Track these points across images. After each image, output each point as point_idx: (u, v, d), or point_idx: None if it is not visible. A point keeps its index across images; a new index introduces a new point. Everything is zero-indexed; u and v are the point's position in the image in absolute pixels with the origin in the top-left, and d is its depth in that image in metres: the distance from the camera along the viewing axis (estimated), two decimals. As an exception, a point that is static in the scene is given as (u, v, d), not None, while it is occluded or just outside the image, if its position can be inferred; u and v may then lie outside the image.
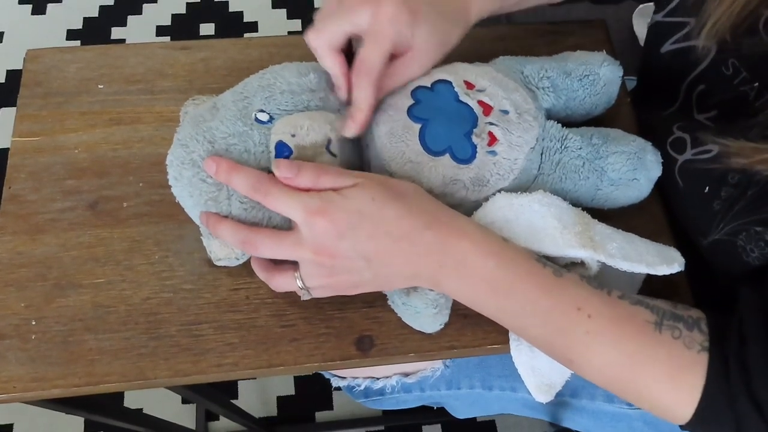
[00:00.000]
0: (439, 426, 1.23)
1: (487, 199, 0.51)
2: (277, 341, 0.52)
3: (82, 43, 1.63)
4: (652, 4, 0.62)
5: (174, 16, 1.69)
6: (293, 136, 0.48)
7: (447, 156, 0.50)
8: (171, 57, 0.64)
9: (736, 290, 0.47)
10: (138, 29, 1.66)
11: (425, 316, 0.50)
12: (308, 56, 0.52)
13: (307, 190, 0.45)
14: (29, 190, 0.57)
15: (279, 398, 1.26)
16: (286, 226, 0.49)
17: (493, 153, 0.51)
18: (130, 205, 0.57)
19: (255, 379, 1.27)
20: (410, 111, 0.51)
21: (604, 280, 0.49)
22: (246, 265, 0.53)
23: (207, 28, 1.68)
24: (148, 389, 0.52)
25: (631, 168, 0.52)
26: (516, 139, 0.51)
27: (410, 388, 0.69)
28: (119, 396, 1.21)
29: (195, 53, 0.65)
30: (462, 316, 0.52)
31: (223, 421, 1.22)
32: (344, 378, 0.69)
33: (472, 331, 0.52)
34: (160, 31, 1.67)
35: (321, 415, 1.24)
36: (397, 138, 0.50)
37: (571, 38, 0.67)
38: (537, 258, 0.46)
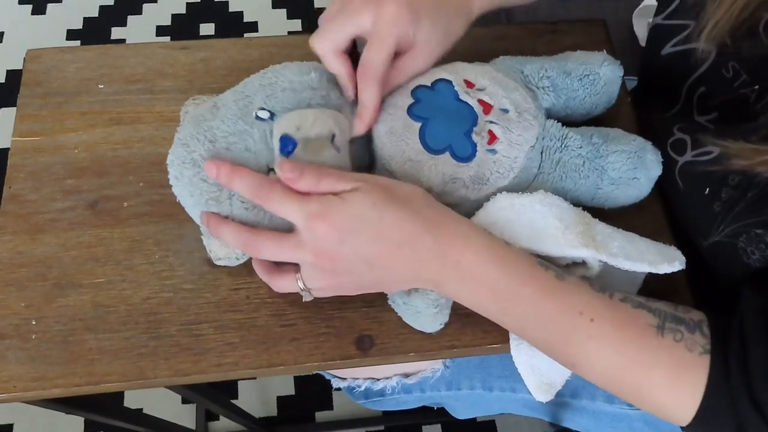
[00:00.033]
0: (439, 426, 1.23)
1: (487, 198, 0.51)
2: (277, 341, 0.52)
3: (82, 43, 1.63)
4: (651, 4, 0.62)
5: (174, 16, 1.69)
6: (298, 129, 0.48)
7: (447, 154, 0.50)
8: (171, 57, 0.64)
9: (737, 292, 0.47)
10: (138, 29, 1.66)
11: (426, 316, 0.50)
12: (309, 56, 0.52)
13: (308, 193, 0.45)
14: (29, 190, 0.57)
15: (279, 398, 1.26)
16: (287, 225, 0.49)
17: (493, 151, 0.51)
18: (130, 204, 0.57)
19: (255, 379, 1.27)
20: (410, 110, 0.51)
21: (605, 280, 0.49)
22: (246, 265, 0.53)
23: (207, 28, 1.68)
24: (148, 389, 0.52)
25: (632, 167, 0.52)
26: (516, 138, 0.51)
27: (410, 389, 0.69)
28: (119, 396, 1.21)
29: (195, 53, 0.65)
30: (462, 316, 0.52)
31: (223, 421, 1.22)
32: (344, 379, 0.69)
33: (472, 331, 0.52)
34: (160, 31, 1.67)
35: (321, 415, 1.24)
36: (398, 136, 0.51)
37: (571, 38, 0.67)
38: (539, 262, 0.46)
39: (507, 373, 0.67)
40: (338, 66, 0.50)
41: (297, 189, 0.45)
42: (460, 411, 0.75)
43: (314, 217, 0.44)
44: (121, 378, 0.50)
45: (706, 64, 0.55)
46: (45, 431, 1.21)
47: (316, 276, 0.47)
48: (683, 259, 0.49)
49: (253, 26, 1.69)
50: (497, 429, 1.23)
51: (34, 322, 0.51)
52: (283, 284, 0.50)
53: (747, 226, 0.49)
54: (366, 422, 1.23)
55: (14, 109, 0.61)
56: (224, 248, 0.51)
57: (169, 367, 0.50)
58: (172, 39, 1.65)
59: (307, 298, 0.50)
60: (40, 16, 1.68)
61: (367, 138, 0.53)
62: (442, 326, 0.52)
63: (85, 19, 1.68)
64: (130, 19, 1.68)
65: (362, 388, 0.68)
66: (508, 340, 0.52)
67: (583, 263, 0.49)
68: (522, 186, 0.52)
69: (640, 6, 1.02)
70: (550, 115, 0.56)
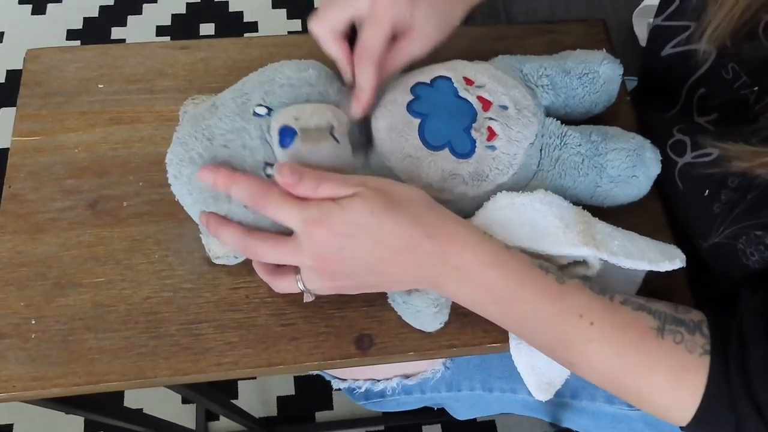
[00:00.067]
0: (439, 426, 1.23)
1: (486, 194, 0.51)
2: (276, 340, 0.52)
3: (82, 43, 1.63)
4: (652, 4, 0.62)
5: (174, 16, 1.69)
6: (297, 119, 0.48)
7: (446, 150, 0.50)
8: (171, 57, 0.64)
9: (736, 293, 0.47)
10: (138, 29, 1.66)
11: (426, 315, 0.50)
12: (309, 56, 0.52)
13: (306, 199, 0.45)
14: (29, 190, 0.57)
15: (279, 398, 1.26)
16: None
17: (492, 148, 0.51)
18: (130, 204, 0.57)
19: (255, 378, 1.27)
20: (410, 106, 0.51)
21: (604, 279, 0.49)
22: (246, 264, 0.53)
23: (207, 28, 1.68)
24: (148, 388, 0.52)
25: (631, 165, 0.52)
26: (515, 135, 0.51)
27: (411, 390, 0.69)
28: (119, 396, 1.21)
29: (195, 53, 0.65)
30: (462, 315, 0.52)
31: (223, 421, 1.22)
32: (345, 380, 0.69)
33: (472, 330, 0.52)
34: (160, 31, 1.67)
35: (321, 415, 1.24)
36: (397, 133, 0.51)
37: (570, 38, 0.67)
38: (539, 264, 0.46)
39: (507, 374, 0.67)
40: (336, 48, 0.51)
41: (296, 194, 0.45)
42: (460, 412, 0.75)
43: (312, 224, 0.44)
44: (121, 377, 0.50)
45: (705, 66, 0.55)
46: (45, 431, 1.21)
47: (316, 278, 0.48)
48: (683, 256, 0.49)
49: (253, 26, 1.69)
50: (497, 429, 1.23)
51: (33, 322, 0.51)
52: (283, 285, 0.50)
53: (746, 228, 0.49)
54: (366, 422, 1.23)
55: (14, 109, 0.61)
56: (223, 247, 0.51)
57: (168, 367, 0.50)
58: (172, 39, 1.65)
59: (308, 298, 0.50)
60: (40, 16, 1.68)
61: (365, 125, 0.52)
62: (442, 325, 0.52)
63: (85, 19, 1.68)
64: (130, 19, 1.68)
65: (362, 389, 0.68)
66: (507, 340, 0.52)
67: (583, 262, 0.49)
68: (521, 183, 0.52)
69: (640, 6, 1.02)
70: (549, 113, 0.56)
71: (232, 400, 1.22)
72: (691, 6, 0.55)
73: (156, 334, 0.51)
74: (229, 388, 1.26)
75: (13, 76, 1.58)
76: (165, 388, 0.65)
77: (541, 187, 0.52)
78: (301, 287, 0.49)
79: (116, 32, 1.66)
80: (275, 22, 1.69)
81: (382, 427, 1.23)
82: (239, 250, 0.48)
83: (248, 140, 0.48)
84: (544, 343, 0.48)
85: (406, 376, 0.67)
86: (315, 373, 0.67)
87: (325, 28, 0.50)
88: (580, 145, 0.52)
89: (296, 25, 1.69)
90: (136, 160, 0.59)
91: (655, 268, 0.47)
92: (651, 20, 0.63)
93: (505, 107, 0.52)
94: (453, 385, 0.68)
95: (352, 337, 0.52)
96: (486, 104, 0.52)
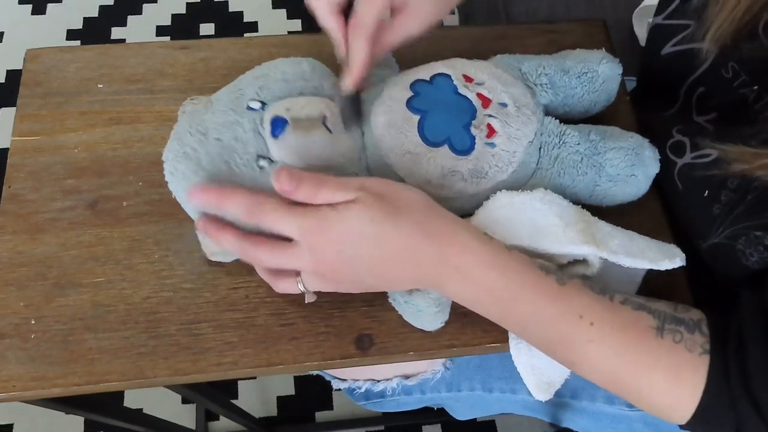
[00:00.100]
0: (439, 426, 1.23)
1: (486, 192, 0.51)
2: (276, 340, 0.52)
3: (82, 43, 1.63)
4: (652, 4, 0.62)
5: (174, 16, 1.69)
6: (288, 110, 0.48)
7: (445, 147, 0.50)
8: (171, 57, 0.64)
9: (735, 293, 0.48)
10: (138, 29, 1.66)
11: (427, 315, 0.50)
12: (308, 56, 0.52)
13: (303, 204, 0.45)
14: (29, 190, 0.57)
15: (279, 398, 1.26)
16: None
17: (492, 145, 0.51)
18: (130, 204, 0.57)
19: (255, 378, 1.27)
20: (409, 103, 0.51)
21: (604, 278, 0.49)
22: (245, 264, 0.53)
23: (207, 28, 1.68)
24: (148, 388, 0.52)
25: (629, 164, 0.52)
26: (515, 132, 0.51)
27: (411, 390, 0.69)
28: (119, 396, 1.21)
29: (195, 53, 0.65)
30: (462, 315, 0.52)
31: (223, 421, 1.22)
32: (345, 380, 0.69)
33: (472, 330, 0.52)
34: (160, 31, 1.67)
35: (321, 415, 1.24)
36: (396, 129, 0.51)
37: (570, 38, 0.67)
38: (540, 265, 0.46)
39: (507, 374, 0.67)
40: (332, 22, 0.50)
41: (295, 199, 0.45)
42: (461, 412, 0.75)
43: (311, 232, 0.44)
44: (121, 377, 0.50)
45: (705, 65, 0.55)
46: (45, 431, 1.21)
47: (316, 281, 0.48)
48: (683, 255, 0.49)
49: (253, 26, 1.69)
50: (497, 429, 1.23)
51: (33, 322, 0.51)
52: (284, 286, 0.50)
53: (746, 229, 0.49)
54: (366, 422, 1.23)
55: (14, 109, 0.61)
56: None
57: (168, 367, 0.50)
58: (172, 39, 1.65)
59: (309, 299, 0.50)
60: (40, 16, 1.68)
61: (357, 103, 0.52)
62: (443, 325, 0.52)
63: (85, 19, 1.68)
64: (130, 19, 1.68)
65: (363, 390, 0.68)
66: (507, 340, 0.52)
67: (583, 261, 0.49)
68: (521, 182, 0.52)
69: (640, 6, 1.02)
70: (548, 112, 0.56)
71: (232, 400, 1.22)
72: (691, 6, 0.55)
73: (156, 334, 0.51)
74: (229, 388, 1.26)
75: (13, 76, 1.58)
76: (165, 388, 0.65)
77: (540, 185, 0.52)
78: (302, 288, 0.49)
79: (116, 32, 1.66)
80: (275, 22, 1.69)
81: (382, 427, 1.23)
82: (239, 255, 0.48)
83: (241, 133, 0.48)
84: (545, 343, 0.48)
85: (406, 377, 0.67)
86: (315, 373, 0.67)
87: (323, 2, 0.50)
88: (578, 143, 0.52)
89: (296, 25, 1.69)
90: (136, 160, 0.59)
91: (655, 267, 0.48)
92: (651, 20, 0.63)
93: (504, 104, 0.52)
94: (453, 385, 0.68)
95: (352, 337, 0.52)
96: (485, 101, 0.52)
